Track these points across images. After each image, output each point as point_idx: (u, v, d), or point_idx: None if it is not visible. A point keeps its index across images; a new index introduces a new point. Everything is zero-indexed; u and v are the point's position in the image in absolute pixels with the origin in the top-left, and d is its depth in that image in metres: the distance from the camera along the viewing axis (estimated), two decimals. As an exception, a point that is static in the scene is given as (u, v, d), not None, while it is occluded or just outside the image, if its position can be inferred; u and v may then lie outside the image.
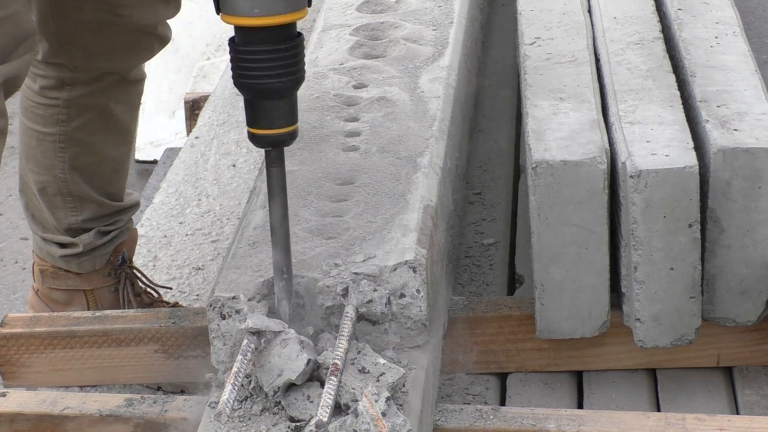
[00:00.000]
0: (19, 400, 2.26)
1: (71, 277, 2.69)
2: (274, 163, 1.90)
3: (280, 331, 1.87)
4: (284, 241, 1.92)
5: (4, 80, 2.13)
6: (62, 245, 2.66)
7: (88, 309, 2.68)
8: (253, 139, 1.89)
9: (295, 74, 1.85)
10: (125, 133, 2.69)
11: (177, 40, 5.14)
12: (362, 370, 1.86)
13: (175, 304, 2.78)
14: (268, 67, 1.83)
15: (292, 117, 1.88)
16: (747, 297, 2.25)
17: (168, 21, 2.63)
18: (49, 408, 2.23)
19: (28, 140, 2.61)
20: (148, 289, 2.76)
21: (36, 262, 2.74)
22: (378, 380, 1.84)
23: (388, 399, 1.79)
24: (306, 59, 2.68)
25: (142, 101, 2.76)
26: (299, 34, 1.84)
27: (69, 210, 2.64)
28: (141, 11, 2.54)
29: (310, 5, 1.82)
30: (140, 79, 2.68)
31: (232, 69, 1.85)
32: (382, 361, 1.87)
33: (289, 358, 1.85)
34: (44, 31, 2.49)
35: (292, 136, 1.89)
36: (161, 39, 2.63)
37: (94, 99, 2.59)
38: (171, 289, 2.88)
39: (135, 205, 2.78)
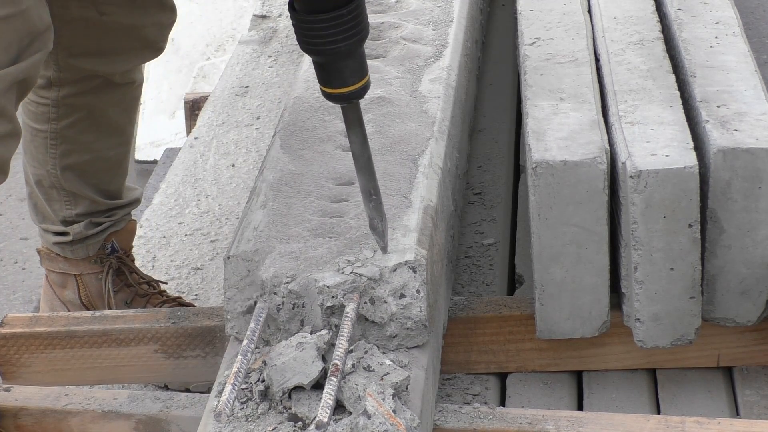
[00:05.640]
0: (23, 395, 2.27)
1: (61, 260, 2.73)
2: (351, 106, 1.95)
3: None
4: (367, 165, 1.98)
5: (18, 81, 2.10)
6: (56, 233, 2.71)
7: (78, 294, 2.73)
8: (328, 97, 1.93)
9: (360, 33, 1.88)
10: (120, 135, 2.70)
11: (177, 40, 5.15)
12: (367, 368, 1.86)
13: (177, 298, 2.79)
14: (334, 33, 1.86)
15: (362, 71, 1.92)
16: (747, 297, 2.25)
17: (164, 30, 2.62)
18: (52, 403, 2.24)
19: (25, 134, 2.64)
20: (144, 284, 2.77)
21: (40, 244, 2.80)
22: (382, 379, 1.84)
23: (393, 396, 1.79)
24: (305, 61, 2.69)
25: (141, 101, 2.75)
26: None
27: (64, 203, 2.68)
28: (129, 11, 2.53)
29: None
30: (131, 82, 2.66)
31: (297, 35, 1.88)
32: (388, 362, 1.87)
33: (305, 363, 1.85)
34: None
35: (364, 89, 1.93)
36: (151, 45, 2.60)
37: (82, 99, 2.60)
38: (166, 284, 2.88)
39: (134, 202, 2.79)
